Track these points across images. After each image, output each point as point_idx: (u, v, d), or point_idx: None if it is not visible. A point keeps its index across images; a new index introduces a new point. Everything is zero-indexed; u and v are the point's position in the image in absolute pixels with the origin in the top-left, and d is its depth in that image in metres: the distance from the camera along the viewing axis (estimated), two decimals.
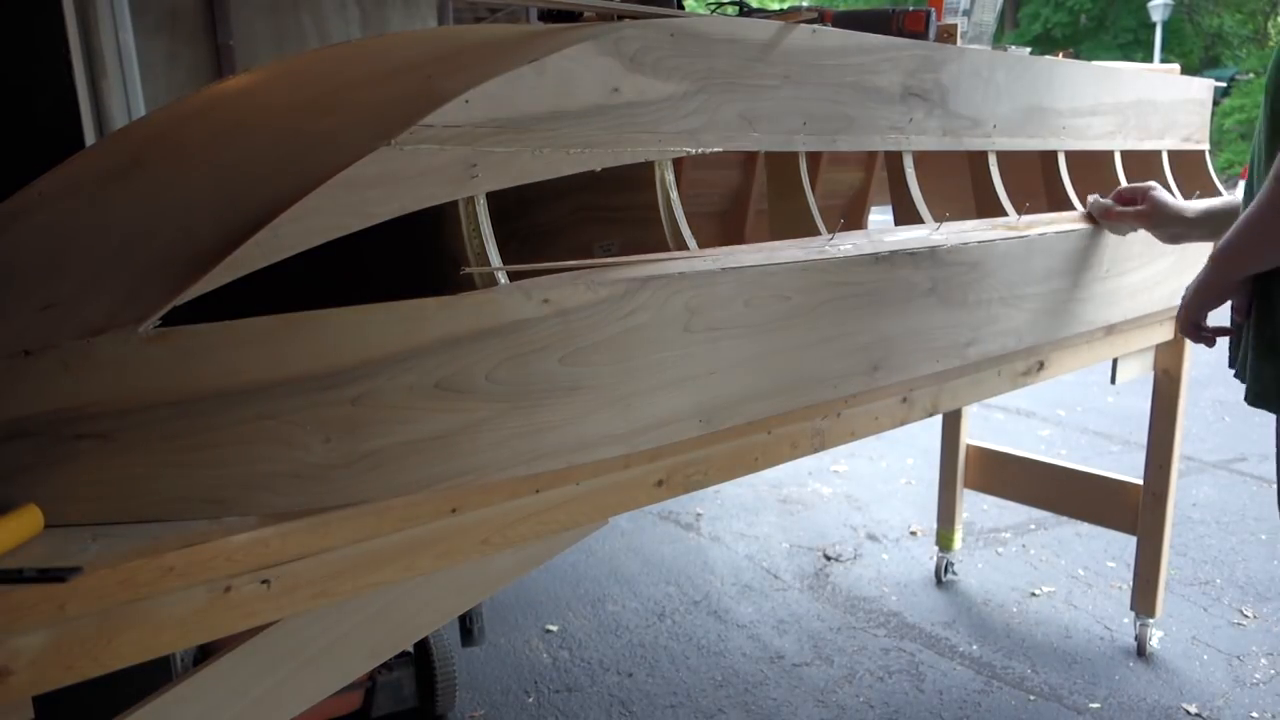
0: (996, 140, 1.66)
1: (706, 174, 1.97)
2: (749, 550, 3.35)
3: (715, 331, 1.18)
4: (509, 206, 1.15)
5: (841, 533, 3.49)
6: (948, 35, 1.62)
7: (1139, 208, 1.74)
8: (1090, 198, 1.81)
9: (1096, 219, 1.78)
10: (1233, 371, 1.45)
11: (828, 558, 3.28)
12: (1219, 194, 2.24)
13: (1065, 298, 1.74)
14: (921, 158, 1.57)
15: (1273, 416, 1.40)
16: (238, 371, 0.87)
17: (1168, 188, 2.11)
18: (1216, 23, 21.98)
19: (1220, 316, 1.46)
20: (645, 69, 1.11)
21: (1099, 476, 2.75)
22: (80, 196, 1.04)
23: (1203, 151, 2.27)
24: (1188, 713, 2.33)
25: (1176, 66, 2.41)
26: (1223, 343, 1.51)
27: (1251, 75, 19.98)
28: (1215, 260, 1.39)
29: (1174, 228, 1.75)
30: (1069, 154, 1.86)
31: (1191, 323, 1.48)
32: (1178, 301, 2.17)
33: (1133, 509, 2.61)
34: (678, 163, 1.58)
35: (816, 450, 1.45)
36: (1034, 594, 2.97)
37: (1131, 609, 2.65)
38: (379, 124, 0.94)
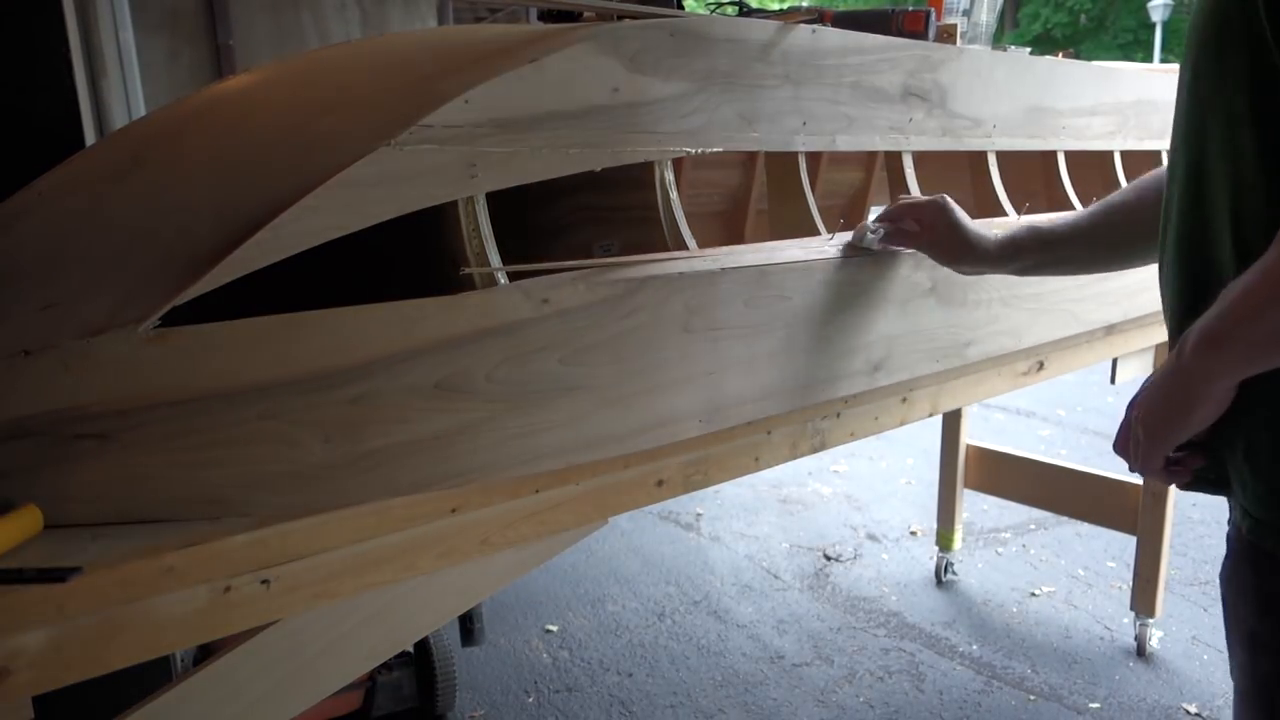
0: (996, 140, 1.66)
1: (706, 174, 1.97)
2: (749, 550, 3.35)
3: (715, 331, 1.17)
4: (509, 206, 1.15)
5: (841, 533, 3.49)
6: (947, 35, 1.62)
7: (916, 230, 1.29)
8: (862, 223, 1.33)
9: (859, 245, 1.32)
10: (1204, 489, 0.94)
11: (828, 558, 3.28)
12: None
13: (1065, 298, 1.74)
14: (921, 158, 1.57)
15: None
16: (238, 371, 0.87)
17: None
18: None
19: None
20: (645, 69, 1.11)
21: (1099, 476, 2.75)
22: (80, 196, 1.04)
23: None
24: (1188, 713, 2.33)
25: (1176, 66, 2.41)
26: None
27: None
28: (1198, 353, 0.81)
29: (967, 263, 1.29)
30: (1069, 154, 1.86)
31: (1161, 456, 0.90)
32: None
33: (1133, 509, 2.60)
34: (678, 163, 1.58)
35: (816, 450, 1.45)
36: (1034, 594, 2.97)
37: (1131, 609, 2.65)
38: (379, 124, 0.94)
